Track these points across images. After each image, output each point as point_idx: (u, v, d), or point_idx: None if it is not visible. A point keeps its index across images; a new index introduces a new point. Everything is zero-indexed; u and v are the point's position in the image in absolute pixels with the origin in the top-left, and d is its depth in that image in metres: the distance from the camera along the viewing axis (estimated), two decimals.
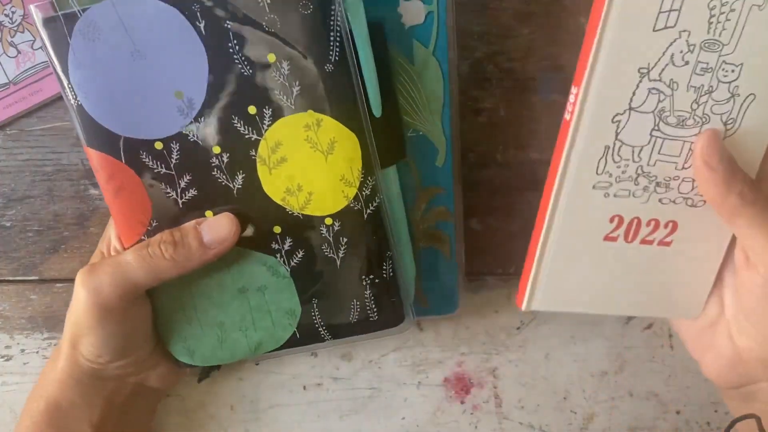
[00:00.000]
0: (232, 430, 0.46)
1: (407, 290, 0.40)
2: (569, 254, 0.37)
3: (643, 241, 0.37)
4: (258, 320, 0.40)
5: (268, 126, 0.35)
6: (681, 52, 0.33)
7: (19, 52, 0.45)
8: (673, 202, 0.36)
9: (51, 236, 0.46)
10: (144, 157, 0.36)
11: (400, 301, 0.40)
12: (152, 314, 0.40)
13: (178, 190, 0.37)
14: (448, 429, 0.47)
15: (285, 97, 0.35)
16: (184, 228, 0.37)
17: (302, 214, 0.37)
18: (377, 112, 0.36)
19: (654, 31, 0.33)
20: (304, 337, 0.40)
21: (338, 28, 0.33)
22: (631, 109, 0.34)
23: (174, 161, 0.36)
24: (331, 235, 0.38)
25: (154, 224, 0.37)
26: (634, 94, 0.34)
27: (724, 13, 0.32)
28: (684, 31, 0.33)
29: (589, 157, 0.35)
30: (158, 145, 0.36)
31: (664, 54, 0.33)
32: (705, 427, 0.47)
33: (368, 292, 0.39)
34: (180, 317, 0.40)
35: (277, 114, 0.35)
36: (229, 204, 0.37)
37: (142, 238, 0.37)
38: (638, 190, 0.36)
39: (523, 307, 0.39)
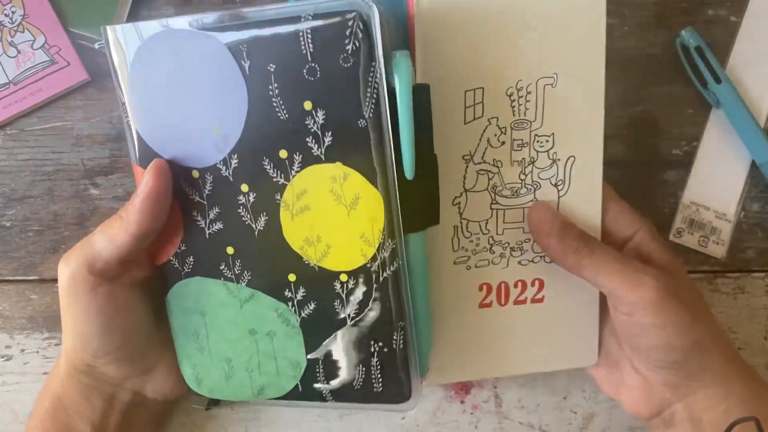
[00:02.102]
0: (232, 430, 0.46)
1: (420, 367, 0.37)
2: (449, 327, 0.40)
3: (516, 302, 0.40)
4: (264, 364, 0.39)
5: (297, 172, 0.35)
6: (495, 135, 0.37)
7: (19, 51, 0.45)
8: (532, 261, 0.40)
9: (51, 236, 0.46)
10: (182, 182, 0.37)
11: (408, 377, 0.37)
12: (172, 333, 0.40)
13: (207, 221, 0.37)
14: (448, 429, 0.47)
15: (316, 146, 0.34)
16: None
17: (318, 266, 0.36)
18: (409, 174, 0.34)
19: (465, 123, 0.37)
20: (306, 392, 0.39)
21: (376, 85, 0.32)
22: (466, 190, 0.38)
23: (207, 191, 0.37)
24: (345, 292, 0.36)
25: (183, 248, 0.38)
26: (465, 177, 0.38)
27: (522, 96, 0.37)
28: (492, 117, 0.37)
29: (442, 239, 0.38)
30: (195, 174, 0.37)
31: (480, 140, 0.37)
32: None
33: (375, 359, 0.37)
34: (193, 343, 0.40)
35: (307, 162, 0.34)
36: (250, 244, 0.37)
37: (171, 259, 0.39)
38: (496, 258, 0.39)
39: (425, 383, 0.41)
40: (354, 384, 0.38)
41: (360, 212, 0.34)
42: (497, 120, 0.37)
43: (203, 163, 0.36)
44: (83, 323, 0.38)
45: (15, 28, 0.45)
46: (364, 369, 0.37)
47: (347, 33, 0.31)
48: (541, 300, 0.40)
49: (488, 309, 0.40)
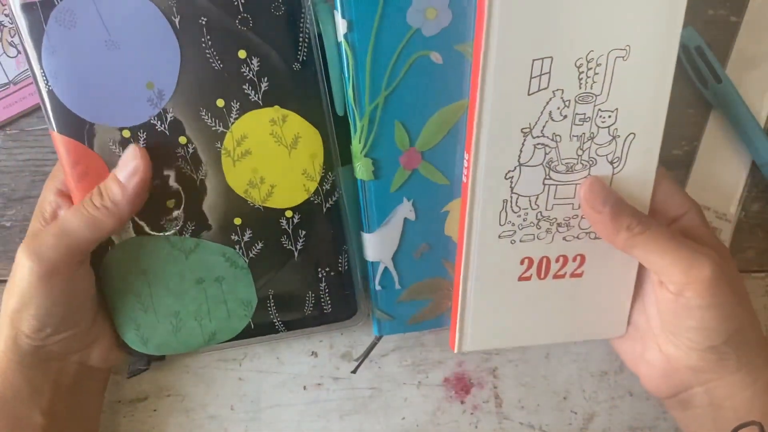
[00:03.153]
0: (233, 430, 0.46)
1: (359, 283, 0.42)
2: (489, 298, 0.40)
3: (556, 276, 0.40)
4: (214, 310, 0.40)
5: (235, 119, 0.37)
6: (558, 108, 0.36)
7: (19, 52, 0.45)
8: (577, 237, 0.39)
9: None
10: (111, 144, 0.37)
11: (353, 294, 0.41)
12: (106, 300, 0.40)
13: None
14: (448, 429, 0.47)
15: (253, 92, 0.36)
16: (106, 179, 0.37)
17: (263, 207, 0.39)
18: (340, 111, 0.37)
19: (529, 95, 0.35)
20: (259, 328, 0.41)
21: (307, 31, 0.35)
22: (521, 165, 0.37)
23: None
24: (291, 227, 0.39)
25: None
26: (521, 151, 0.36)
27: (591, 68, 0.36)
28: (557, 90, 0.36)
29: (490, 212, 0.38)
30: (126, 133, 0.37)
31: (542, 113, 0.36)
32: None
33: (323, 284, 0.41)
34: (135, 305, 0.40)
35: (245, 108, 0.36)
36: (192, 195, 0.38)
37: None
38: (541, 233, 0.39)
39: (456, 349, 0.41)
40: (305, 310, 0.41)
41: (300, 150, 0.37)
42: (562, 92, 0.36)
43: (135, 120, 0.36)
44: (50, 308, 0.37)
45: (15, 28, 0.45)
46: (313, 295, 0.41)
47: None
48: (579, 275, 0.40)
49: (527, 282, 0.40)
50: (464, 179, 0.38)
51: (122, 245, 0.39)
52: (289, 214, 0.39)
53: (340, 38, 0.35)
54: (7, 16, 0.45)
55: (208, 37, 0.35)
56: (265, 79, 0.36)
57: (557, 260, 0.39)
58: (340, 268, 0.40)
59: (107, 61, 0.35)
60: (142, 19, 0.35)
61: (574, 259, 0.40)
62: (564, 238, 0.39)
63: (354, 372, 0.45)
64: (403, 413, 0.47)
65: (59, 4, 0.34)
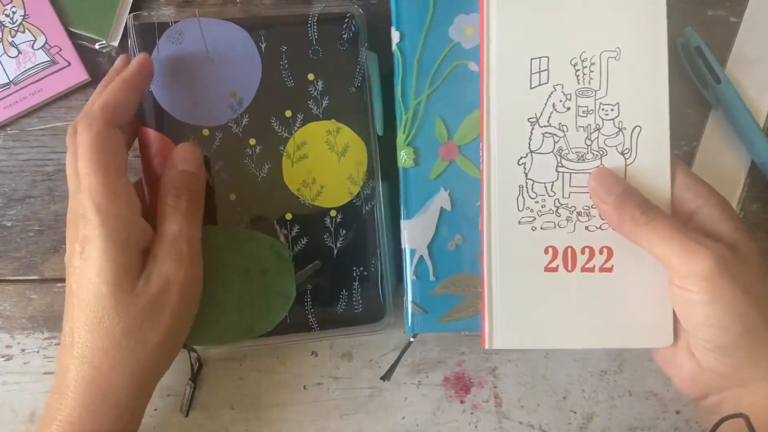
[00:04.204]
0: (233, 430, 0.46)
1: (388, 292, 0.44)
2: (515, 288, 0.40)
3: (584, 269, 0.40)
4: (255, 301, 0.43)
5: (298, 128, 0.43)
6: (560, 101, 0.39)
7: (19, 52, 0.45)
8: (600, 228, 0.40)
9: (52, 236, 0.46)
10: (191, 140, 0.42)
11: (384, 297, 0.44)
12: None
13: (212, 172, 0.43)
14: (448, 428, 0.47)
15: (316, 107, 0.44)
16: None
17: (312, 204, 0.44)
18: (380, 131, 0.44)
19: (531, 88, 0.39)
20: (294, 323, 0.44)
21: (362, 63, 0.44)
22: (531, 152, 0.40)
23: (215, 147, 0.43)
24: (333, 225, 0.44)
25: None
26: (530, 139, 0.40)
27: (587, 66, 0.39)
28: (557, 84, 0.39)
29: (507, 197, 0.40)
30: (205, 132, 0.43)
31: (546, 105, 0.39)
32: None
33: (356, 283, 0.44)
34: None
35: (307, 119, 0.44)
36: (252, 190, 0.43)
37: None
38: (562, 221, 0.40)
39: (486, 345, 0.40)
40: (338, 308, 0.44)
41: (348, 158, 0.44)
42: (562, 87, 0.39)
43: (215, 122, 0.43)
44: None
45: (16, 29, 0.45)
46: (346, 293, 0.44)
47: (344, 27, 0.44)
48: (610, 269, 0.40)
49: (554, 273, 0.40)
50: (481, 167, 0.40)
51: None
52: (333, 213, 0.44)
53: (394, 47, 0.42)
54: (7, 16, 0.45)
55: (286, 61, 0.43)
56: (327, 97, 0.44)
57: (583, 251, 0.40)
58: (373, 269, 0.44)
59: (202, 72, 0.43)
60: (236, 42, 0.43)
61: (601, 252, 0.40)
62: (587, 228, 0.40)
63: (385, 379, 0.45)
64: (403, 413, 0.47)
65: (173, 25, 0.42)
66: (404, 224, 0.43)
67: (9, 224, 0.46)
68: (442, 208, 0.42)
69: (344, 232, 0.44)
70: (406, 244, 0.43)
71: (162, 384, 0.46)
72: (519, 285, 0.40)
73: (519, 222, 0.40)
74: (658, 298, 0.39)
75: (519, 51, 0.39)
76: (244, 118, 0.43)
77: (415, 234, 0.42)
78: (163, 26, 0.42)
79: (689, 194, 0.39)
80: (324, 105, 0.43)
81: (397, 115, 0.43)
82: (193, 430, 0.46)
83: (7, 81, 0.45)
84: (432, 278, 0.43)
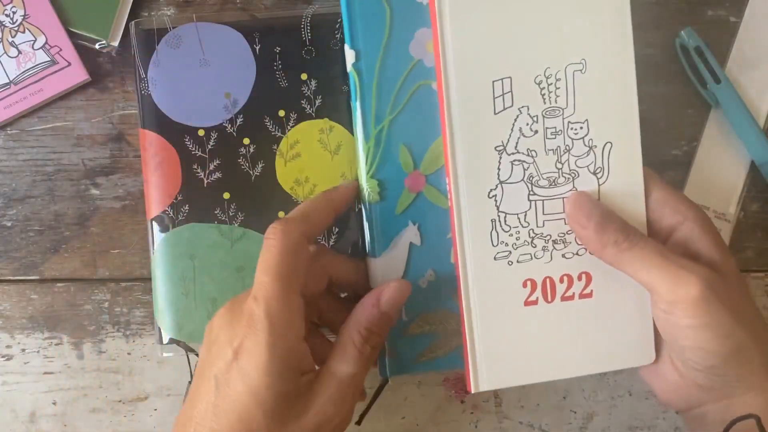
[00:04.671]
0: None
1: None
2: (497, 327, 0.38)
3: (564, 298, 0.38)
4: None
5: (291, 127, 0.44)
6: (527, 124, 0.37)
7: (20, 52, 0.45)
8: (576, 254, 0.38)
9: (52, 236, 0.46)
10: (187, 140, 0.43)
11: None
12: (153, 284, 0.42)
13: (207, 171, 0.43)
14: (448, 428, 0.47)
15: (309, 106, 0.44)
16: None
17: None
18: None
19: (495, 114, 0.37)
20: None
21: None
22: (501, 182, 0.37)
23: (210, 147, 0.43)
24: None
25: (179, 198, 0.43)
26: (499, 169, 0.37)
27: (552, 83, 0.37)
28: (523, 107, 0.37)
29: (480, 234, 0.37)
30: (200, 132, 0.43)
31: (512, 130, 0.37)
32: None
33: None
34: (179, 288, 0.43)
35: (300, 118, 0.44)
36: (246, 188, 0.44)
37: (167, 209, 0.43)
38: (538, 251, 0.38)
39: (472, 389, 0.38)
40: None
41: (341, 156, 0.44)
42: (528, 109, 0.37)
43: (210, 122, 0.44)
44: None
45: (16, 29, 0.45)
46: None
47: (337, 27, 0.44)
48: (589, 295, 0.38)
49: (535, 306, 0.38)
50: (449, 203, 0.37)
51: (178, 231, 0.43)
52: None
53: (349, 68, 0.38)
54: (7, 16, 0.45)
55: (280, 62, 0.44)
56: (319, 96, 0.44)
57: (561, 280, 0.38)
58: None
59: (198, 75, 0.44)
60: (232, 44, 0.44)
61: (580, 278, 0.38)
62: (563, 256, 0.38)
63: (359, 423, 0.41)
64: (403, 413, 0.47)
65: (171, 31, 0.43)
66: (371, 263, 0.39)
67: (9, 224, 0.46)
68: (411, 243, 0.39)
69: (336, 230, 0.44)
70: (374, 285, 0.39)
71: (162, 384, 0.46)
72: (500, 324, 0.38)
73: (495, 258, 0.37)
74: (638, 317, 0.39)
75: (479, 73, 0.36)
76: (238, 118, 0.44)
77: (383, 274, 0.39)
78: (162, 32, 0.43)
79: (666, 210, 0.37)
80: (317, 104, 0.44)
81: (357, 146, 0.39)
82: None
83: (7, 81, 0.45)
84: (404, 318, 0.39)
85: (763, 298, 0.48)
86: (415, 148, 0.39)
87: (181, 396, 0.46)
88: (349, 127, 0.44)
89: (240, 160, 0.44)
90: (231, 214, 0.44)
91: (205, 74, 0.44)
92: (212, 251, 0.43)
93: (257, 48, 0.44)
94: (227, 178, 0.44)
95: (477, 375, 0.38)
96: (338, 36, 0.44)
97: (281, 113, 0.44)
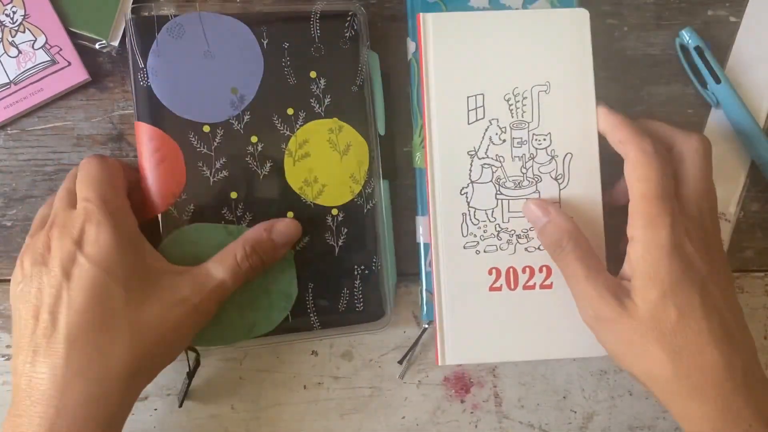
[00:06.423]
0: (233, 430, 0.46)
1: (388, 290, 0.45)
2: (463, 308, 0.43)
3: (526, 287, 0.43)
4: (256, 300, 0.43)
5: (300, 126, 0.43)
6: (496, 134, 0.43)
7: (20, 51, 0.45)
8: (538, 249, 0.43)
9: None
10: (191, 136, 0.42)
11: (384, 295, 0.45)
12: None
13: (213, 170, 0.43)
14: (448, 428, 0.47)
15: (318, 105, 0.44)
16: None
17: (314, 203, 0.44)
18: (382, 131, 0.45)
19: (469, 124, 0.42)
20: (296, 322, 0.44)
21: (365, 62, 0.44)
22: (472, 182, 0.43)
23: (216, 144, 0.43)
24: (335, 224, 0.44)
25: (183, 197, 0.42)
26: (470, 170, 0.43)
27: (519, 100, 0.42)
28: (493, 119, 0.43)
29: (452, 225, 0.43)
30: (206, 128, 0.42)
31: (483, 138, 0.43)
32: None
33: (358, 282, 0.44)
34: None
35: (309, 117, 0.44)
36: (253, 188, 0.43)
37: (170, 208, 0.42)
38: (503, 244, 0.43)
39: (439, 362, 0.43)
40: (339, 307, 0.44)
41: (351, 157, 0.44)
42: (497, 121, 0.42)
43: (216, 118, 0.43)
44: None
45: (16, 28, 0.45)
46: (348, 291, 0.44)
47: (346, 25, 0.44)
48: (549, 286, 0.43)
49: (499, 292, 0.43)
50: (427, 197, 0.43)
51: (183, 230, 0.42)
52: (335, 212, 0.44)
53: (410, 56, 0.45)
54: (7, 16, 0.45)
55: (288, 58, 0.43)
56: (329, 95, 0.44)
57: (524, 271, 0.43)
58: (374, 268, 0.44)
59: (202, 68, 0.43)
60: (238, 38, 0.43)
61: (541, 270, 0.43)
62: (526, 249, 0.43)
63: (402, 362, 0.46)
64: (403, 412, 0.47)
65: (173, 18, 0.42)
66: (419, 220, 0.45)
67: (9, 224, 0.46)
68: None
69: (345, 230, 0.44)
70: (420, 239, 0.45)
71: (162, 384, 0.46)
72: (466, 305, 0.43)
73: (464, 247, 0.43)
74: None
75: (456, 90, 0.42)
76: (245, 115, 0.43)
77: (429, 229, 0.44)
78: (163, 20, 0.42)
79: (614, 140, 0.40)
80: (326, 103, 0.44)
81: (413, 120, 0.45)
82: (194, 430, 0.46)
83: (8, 81, 0.45)
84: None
85: (763, 298, 0.48)
86: None
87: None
88: (359, 128, 0.44)
89: (248, 159, 0.43)
90: (238, 213, 0.43)
91: (210, 67, 0.43)
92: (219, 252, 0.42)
93: (265, 42, 0.43)
94: (234, 177, 0.43)
95: (444, 350, 0.43)
96: (348, 34, 0.44)
97: (290, 111, 0.43)
